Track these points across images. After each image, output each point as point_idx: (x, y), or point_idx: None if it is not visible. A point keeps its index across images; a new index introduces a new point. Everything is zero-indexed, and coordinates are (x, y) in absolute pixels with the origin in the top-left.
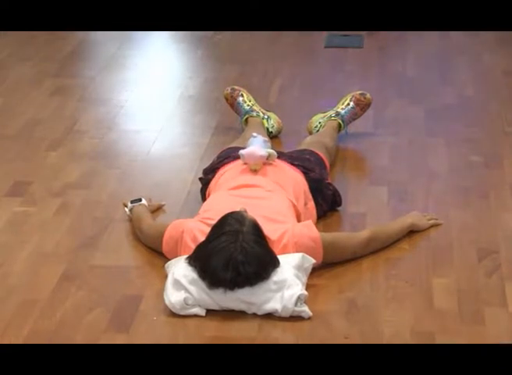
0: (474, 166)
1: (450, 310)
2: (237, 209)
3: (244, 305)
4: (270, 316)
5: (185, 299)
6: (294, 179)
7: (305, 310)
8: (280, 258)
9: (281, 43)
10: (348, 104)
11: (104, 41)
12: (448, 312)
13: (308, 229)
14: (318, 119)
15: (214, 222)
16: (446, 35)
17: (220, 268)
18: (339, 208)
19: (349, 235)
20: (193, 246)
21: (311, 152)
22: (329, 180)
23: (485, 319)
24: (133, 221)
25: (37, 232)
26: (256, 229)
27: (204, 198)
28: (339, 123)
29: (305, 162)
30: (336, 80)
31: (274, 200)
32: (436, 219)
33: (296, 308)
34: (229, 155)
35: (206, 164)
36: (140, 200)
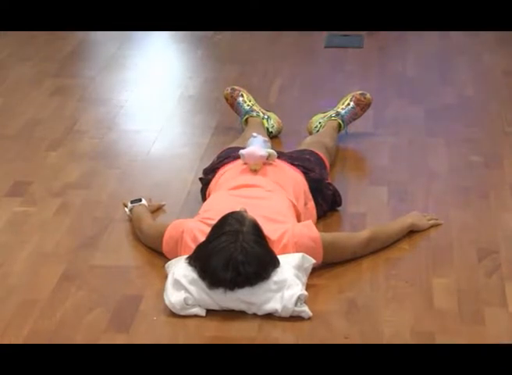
0: (474, 166)
1: (450, 310)
2: (237, 209)
3: (244, 305)
4: (270, 316)
5: (185, 299)
6: (294, 179)
7: (305, 310)
8: (280, 258)
9: (281, 43)
10: (348, 104)
11: (104, 41)
12: (448, 312)
13: (308, 229)
14: (318, 119)
15: (214, 222)
16: (446, 35)
17: (220, 268)
18: (339, 208)
19: (349, 235)
20: (193, 246)
21: (311, 152)
22: (329, 180)
23: (485, 319)
24: (133, 221)
25: (37, 232)
26: (256, 229)
27: (204, 198)
28: (339, 123)
29: (305, 162)
30: (335, 80)
31: (274, 200)
32: (436, 219)
33: (297, 309)
34: (229, 155)
35: (206, 164)
36: (140, 200)
